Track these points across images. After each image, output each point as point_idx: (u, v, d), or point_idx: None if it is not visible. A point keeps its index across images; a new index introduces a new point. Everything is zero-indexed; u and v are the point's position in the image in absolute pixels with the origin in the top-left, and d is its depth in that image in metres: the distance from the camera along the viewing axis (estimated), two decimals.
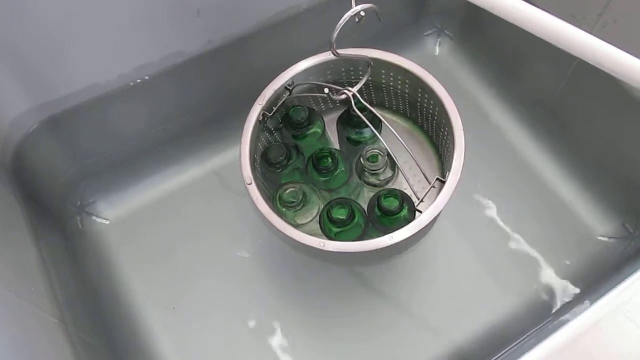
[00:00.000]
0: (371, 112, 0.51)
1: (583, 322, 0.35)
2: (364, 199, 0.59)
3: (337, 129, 0.60)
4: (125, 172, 0.72)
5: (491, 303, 0.63)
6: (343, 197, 0.54)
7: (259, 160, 0.55)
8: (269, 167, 0.54)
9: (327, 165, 0.52)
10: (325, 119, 0.59)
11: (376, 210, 0.50)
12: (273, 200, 0.53)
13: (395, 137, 0.48)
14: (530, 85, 0.72)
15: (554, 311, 0.62)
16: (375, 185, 0.55)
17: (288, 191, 0.52)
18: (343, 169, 0.54)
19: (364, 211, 0.53)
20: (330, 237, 0.52)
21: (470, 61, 0.78)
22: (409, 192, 0.53)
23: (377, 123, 0.54)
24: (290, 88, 0.55)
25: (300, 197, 0.51)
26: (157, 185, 0.72)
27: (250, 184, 0.49)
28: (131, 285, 0.67)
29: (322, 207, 0.54)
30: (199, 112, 0.71)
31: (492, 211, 0.69)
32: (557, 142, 0.71)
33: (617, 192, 0.65)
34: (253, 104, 0.53)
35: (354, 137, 0.58)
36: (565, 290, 0.63)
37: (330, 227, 0.51)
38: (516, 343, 0.58)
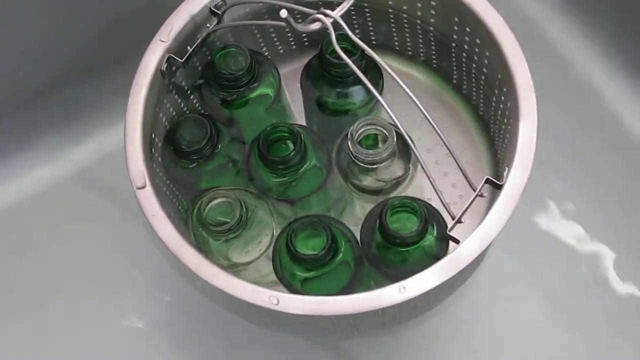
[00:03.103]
0: (363, 55, 0.51)
1: None
2: (354, 216, 0.60)
3: (303, 88, 0.59)
4: None
5: None
6: (315, 215, 0.54)
7: (160, 146, 0.55)
8: (180, 157, 0.54)
9: (286, 156, 0.52)
10: (281, 71, 0.59)
11: (376, 236, 0.50)
12: (187, 218, 0.54)
13: (410, 102, 0.47)
14: None
15: None
16: (373, 192, 0.55)
17: (215, 203, 0.52)
18: (315, 162, 0.54)
19: (354, 239, 0.53)
20: (292, 288, 0.52)
21: None
22: (435, 203, 0.52)
23: (376, 76, 0.55)
24: (219, 11, 0.55)
25: (237, 215, 0.51)
26: None
27: (143, 187, 0.49)
28: None
29: (278, 232, 0.55)
30: (53, 62, 0.69)
31: (581, 233, 0.68)
32: None
33: None
34: (150, 41, 0.53)
35: (333, 101, 0.57)
36: None
37: (293, 268, 0.51)
38: None
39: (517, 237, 0.65)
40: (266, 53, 0.64)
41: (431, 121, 0.47)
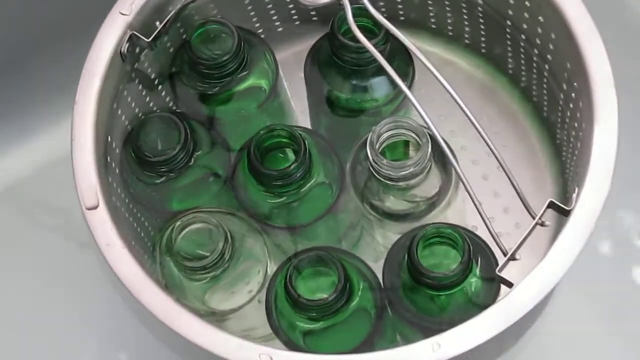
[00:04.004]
0: (387, 36, 0.51)
1: None
2: (373, 249, 0.61)
3: (308, 78, 0.59)
4: None
5: None
6: (323, 247, 0.54)
7: (119, 153, 0.55)
8: (145, 169, 0.54)
9: (285, 169, 0.51)
10: (279, 56, 0.60)
11: (404, 276, 0.50)
12: (154, 250, 0.54)
13: (449, 99, 0.48)
14: None
15: None
16: (399, 217, 0.55)
17: (190, 230, 0.52)
18: (322, 177, 0.54)
19: (375, 280, 0.53)
20: (291, 343, 0.51)
21: None
22: (482, 233, 0.52)
23: (405, 65, 0.55)
24: None
25: (219, 246, 0.51)
26: None
27: (95, 207, 0.49)
28: None
29: (273, 269, 0.55)
30: None
31: None
32: None
33: None
34: (107, 13, 0.54)
35: (347, 97, 0.57)
36: None
37: (294, 318, 0.50)
38: None
39: (589, 280, 0.66)
40: (259, 31, 0.64)
41: (477, 125, 0.47)
